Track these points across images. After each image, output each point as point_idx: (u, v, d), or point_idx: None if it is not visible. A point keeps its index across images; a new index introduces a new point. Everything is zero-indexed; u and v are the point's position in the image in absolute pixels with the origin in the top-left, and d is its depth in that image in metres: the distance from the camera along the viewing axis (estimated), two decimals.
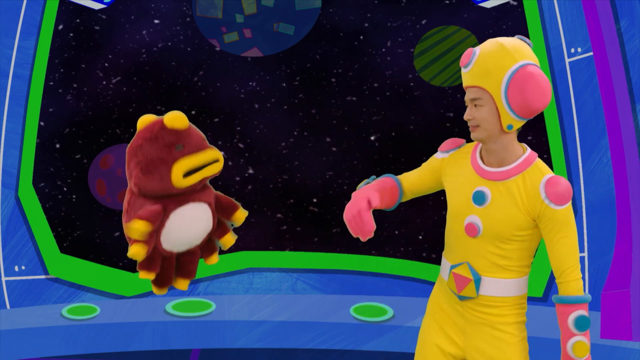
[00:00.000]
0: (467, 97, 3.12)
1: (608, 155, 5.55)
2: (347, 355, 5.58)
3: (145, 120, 3.35)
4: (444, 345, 3.25)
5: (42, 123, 5.97)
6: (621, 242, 5.47)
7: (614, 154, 5.53)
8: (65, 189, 6.00)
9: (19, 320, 5.75)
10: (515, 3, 5.80)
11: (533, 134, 5.78)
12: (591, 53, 5.59)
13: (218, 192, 3.46)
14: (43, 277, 5.92)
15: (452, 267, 3.18)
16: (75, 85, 6.00)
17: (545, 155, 5.75)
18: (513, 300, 3.19)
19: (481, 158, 3.18)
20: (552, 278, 5.61)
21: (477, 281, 3.13)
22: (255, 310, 5.79)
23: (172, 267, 3.42)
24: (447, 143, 3.29)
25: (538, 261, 5.62)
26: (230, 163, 5.92)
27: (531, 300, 5.52)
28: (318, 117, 6.01)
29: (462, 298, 3.17)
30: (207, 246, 3.48)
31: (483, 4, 5.85)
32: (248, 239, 5.99)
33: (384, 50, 5.94)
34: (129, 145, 3.36)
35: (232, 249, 5.99)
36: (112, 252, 5.97)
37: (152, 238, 3.26)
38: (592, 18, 5.58)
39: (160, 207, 3.25)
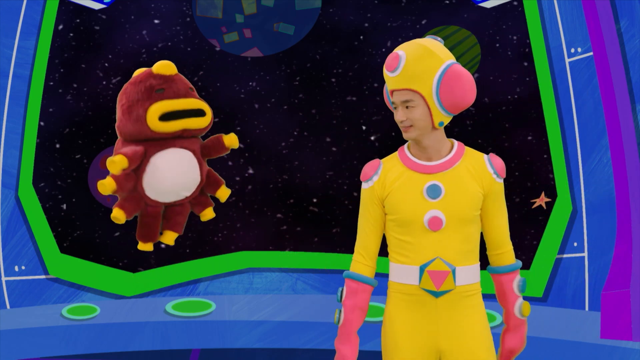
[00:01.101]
0: (396, 100, 3.22)
1: (608, 155, 5.55)
2: None
3: (139, 70, 3.38)
4: (421, 353, 3.26)
5: (42, 123, 5.97)
6: (621, 242, 5.47)
7: (614, 154, 5.53)
8: (65, 189, 6.00)
9: (19, 320, 5.75)
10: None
11: (533, 134, 5.78)
12: (591, 53, 5.59)
13: (204, 141, 3.44)
14: (43, 277, 5.92)
15: (424, 266, 3.20)
16: (75, 85, 6.00)
17: (545, 155, 5.75)
18: (477, 286, 3.29)
19: (414, 157, 3.23)
20: (552, 278, 5.61)
21: (454, 272, 3.21)
22: (255, 310, 5.79)
23: (158, 220, 3.40)
24: (366, 171, 3.34)
25: (538, 261, 5.62)
26: (230, 163, 5.92)
27: (531, 300, 5.52)
28: (318, 117, 6.01)
29: (439, 294, 3.20)
30: (199, 200, 3.45)
31: (483, 4, 5.85)
32: (248, 239, 5.99)
33: (384, 50, 5.94)
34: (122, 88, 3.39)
35: (232, 249, 6.00)
36: (112, 252, 5.97)
37: (130, 180, 3.26)
38: (592, 18, 5.58)
39: (142, 148, 3.25)
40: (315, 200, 6.01)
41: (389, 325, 3.31)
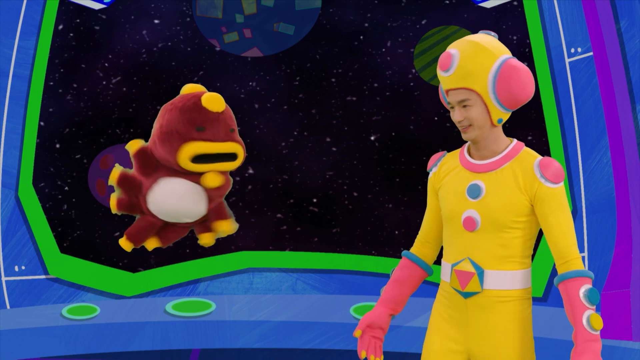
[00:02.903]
0: (452, 99, 3.14)
1: (608, 155, 5.55)
2: (346, 355, 5.58)
3: (191, 87, 3.35)
4: (448, 345, 3.24)
5: (42, 123, 5.97)
6: (621, 242, 5.47)
7: (614, 154, 5.53)
8: (65, 189, 6.00)
9: (19, 320, 5.74)
10: None
11: (533, 134, 5.78)
12: (591, 53, 5.58)
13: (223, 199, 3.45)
14: (43, 277, 5.92)
15: (453, 265, 3.18)
16: (75, 85, 6.00)
17: (545, 155, 5.75)
18: (517, 293, 3.19)
19: (470, 155, 3.23)
20: (552, 278, 5.61)
21: (480, 274, 3.15)
22: (255, 310, 5.79)
23: (151, 232, 3.40)
24: (431, 160, 3.35)
25: (538, 261, 5.62)
26: None
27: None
28: (318, 117, 6.01)
29: (467, 295, 3.16)
30: (202, 227, 3.45)
31: (483, 4, 5.85)
32: (248, 239, 5.99)
33: (384, 50, 5.94)
34: (168, 103, 3.36)
35: (232, 249, 6.00)
36: (112, 252, 5.97)
37: (131, 191, 3.28)
38: (592, 18, 5.58)
39: (139, 178, 3.27)
40: (315, 200, 6.01)
41: (430, 319, 3.32)
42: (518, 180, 3.13)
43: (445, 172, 3.26)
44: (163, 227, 3.44)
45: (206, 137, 3.24)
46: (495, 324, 3.18)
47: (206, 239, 3.48)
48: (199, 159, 3.24)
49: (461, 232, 3.18)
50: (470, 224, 3.15)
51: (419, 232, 3.39)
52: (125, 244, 3.43)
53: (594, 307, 3.06)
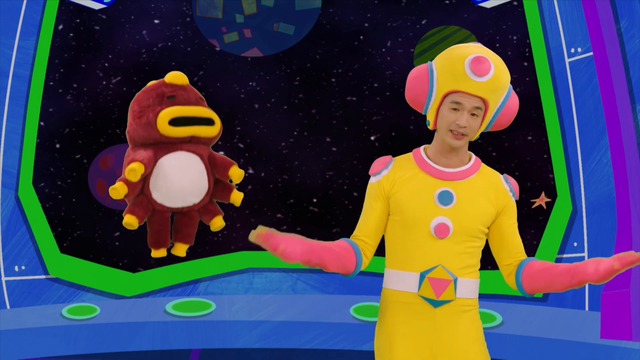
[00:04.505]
0: (466, 103, 3.08)
1: (608, 155, 5.55)
2: (346, 355, 5.59)
3: (153, 82, 3.44)
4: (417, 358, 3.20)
5: (42, 123, 5.97)
6: (621, 242, 5.47)
7: (614, 154, 5.53)
8: (65, 189, 6.00)
9: (19, 320, 5.75)
10: None
11: (533, 134, 5.78)
12: (591, 53, 5.59)
13: (213, 151, 3.46)
14: (43, 277, 5.92)
15: (425, 273, 3.14)
16: (75, 85, 6.00)
17: (545, 155, 5.75)
18: (476, 302, 3.21)
19: (431, 161, 3.20)
20: None
21: (455, 282, 3.13)
22: (255, 310, 5.79)
23: (167, 226, 3.41)
24: (376, 165, 3.28)
25: None
26: None
27: (531, 300, 5.53)
28: (318, 117, 6.02)
29: (439, 303, 3.13)
30: (208, 208, 3.45)
31: (483, 4, 5.85)
32: (248, 239, 5.99)
33: (384, 50, 5.94)
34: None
35: (232, 249, 6.00)
36: (112, 252, 5.97)
37: (139, 183, 3.29)
38: (592, 18, 5.58)
39: (152, 152, 3.27)
40: (315, 200, 6.01)
41: (384, 336, 3.20)
42: (488, 193, 3.15)
43: (404, 178, 3.19)
44: (176, 227, 3.45)
45: (179, 103, 3.31)
46: (464, 333, 3.16)
47: (218, 222, 3.50)
48: (176, 123, 3.28)
49: (430, 239, 3.13)
50: (443, 231, 3.12)
51: (357, 229, 3.26)
52: (157, 253, 3.44)
53: None
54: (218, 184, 3.45)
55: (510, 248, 3.22)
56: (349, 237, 3.27)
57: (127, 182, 3.28)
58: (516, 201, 3.22)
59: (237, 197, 3.51)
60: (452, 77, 3.08)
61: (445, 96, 3.11)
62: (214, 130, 3.35)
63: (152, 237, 3.42)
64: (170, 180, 3.31)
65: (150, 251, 3.50)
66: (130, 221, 3.30)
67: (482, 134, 3.18)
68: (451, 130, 3.11)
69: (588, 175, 5.62)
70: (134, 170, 3.22)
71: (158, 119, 3.27)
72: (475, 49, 3.08)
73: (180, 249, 3.47)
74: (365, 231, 3.25)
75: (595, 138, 5.60)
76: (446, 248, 3.13)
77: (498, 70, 3.06)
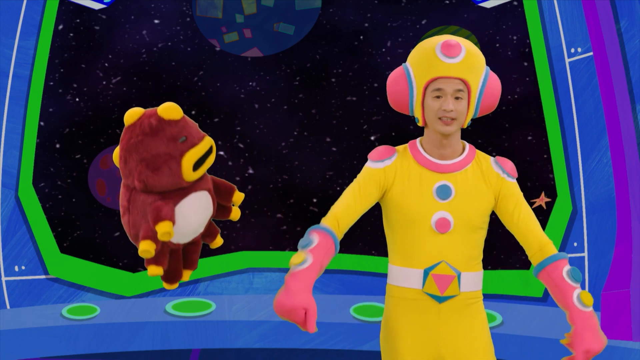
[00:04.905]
0: (447, 87, 3.08)
1: (608, 155, 5.55)
2: (346, 355, 5.59)
3: (133, 114, 3.29)
4: (423, 355, 3.19)
5: (42, 123, 5.97)
6: (621, 242, 5.47)
7: (614, 154, 5.53)
8: (65, 189, 6.00)
9: (19, 320, 5.75)
10: None
11: (533, 134, 5.78)
12: (591, 53, 5.59)
13: (213, 176, 3.43)
14: (43, 277, 5.92)
15: (428, 269, 3.13)
16: (75, 85, 6.01)
17: (545, 155, 5.75)
18: (480, 294, 3.20)
19: (427, 154, 3.18)
20: None
21: (459, 277, 3.12)
22: (255, 310, 5.79)
23: (181, 261, 3.40)
24: (381, 151, 3.23)
25: None
26: (230, 163, 5.92)
27: (531, 300, 5.53)
28: (318, 117, 6.02)
29: (443, 299, 3.13)
30: (209, 230, 3.45)
31: (483, 4, 5.85)
32: (248, 239, 5.99)
33: (384, 50, 5.94)
34: (122, 141, 3.28)
35: (232, 249, 6.00)
36: (112, 252, 5.97)
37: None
38: (592, 18, 5.58)
39: (172, 202, 3.21)
40: (315, 200, 6.01)
41: (389, 332, 3.20)
42: (484, 180, 3.15)
43: (401, 172, 3.18)
44: (184, 255, 3.44)
45: (192, 143, 3.22)
46: (469, 326, 3.16)
47: (219, 242, 3.49)
48: (196, 166, 3.23)
49: (431, 234, 3.12)
50: (443, 226, 3.10)
51: (337, 208, 3.26)
52: (171, 286, 3.43)
53: (579, 284, 3.10)
54: (219, 207, 3.44)
55: (527, 236, 3.16)
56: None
57: (155, 240, 3.17)
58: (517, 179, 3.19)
59: (236, 215, 3.49)
60: (427, 66, 3.10)
61: (426, 88, 3.11)
62: (213, 157, 3.32)
63: (169, 274, 3.39)
64: (190, 223, 3.28)
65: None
66: (157, 272, 3.25)
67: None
68: (440, 118, 3.10)
69: (588, 175, 5.62)
70: (167, 232, 3.12)
71: (184, 169, 3.18)
72: (443, 37, 3.12)
73: (186, 275, 3.47)
74: (348, 215, 3.26)
75: (595, 138, 5.60)
76: (448, 242, 3.12)
77: (469, 50, 3.09)
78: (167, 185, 3.20)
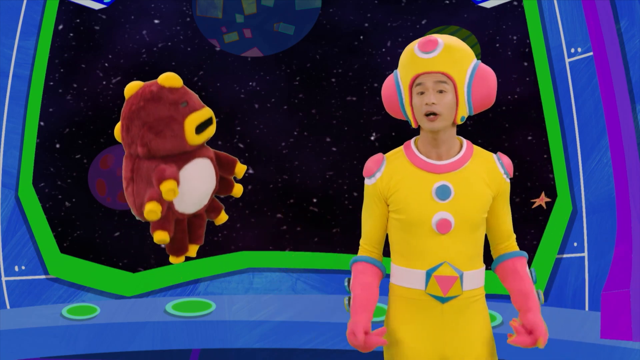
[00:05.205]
0: (427, 82, 3.08)
1: (608, 155, 5.56)
2: (347, 355, 5.59)
3: (133, 86, 3.32)
4: (428, 355, 3.20)
5: (42, 123, 5.97)
6: (621, 242, 5.47)
7: (614, 154, 5.53)
8: (65, 189, 6.00)
9: (19, 320, 5.75)
10: None
11: (533, 134, 5.78)
12: (591, 53, 5.59)
13: (214, 150, 3.43)
14: (43, 277, 5.92)
15: (431, 271, 3.13)
16: (75, 85, 6.01)
17: (545, 155, 5.75)
18: (482, 291, 3.23)
19: (423, 155, 3.17)
20: (552, 278, 5.61)
21: (461, 277, 3.13)
22: (255, 310, 5.79)
23: (186, 232, 3.39)
24: (369, 166, 3.23)
25: (537, 262, 5.63)
26: None
27: None
28: (318, 117, 6.02)
29: (446, 299, 3.14)
30: (212, 206, 3.45)
31: (483, 4, 5.85)
32: (248, 239, 6.00)
33: (384, 50, 5.94)
34: (123, 111, 3.30)
35: (232, 249, 6.00)
36: (112, 252, 5.97)
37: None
38: (592, 18, 5.58)
39: (175, 165, 3.22)
40: (315, 200, 6.01)
41: (392, 331, 3.20)
42: (485, 177, 3.15)
43: (399, 177, 3.17)
44: (189, 229, 3.43)
45: (194, 108, 3.25)
46: (472, 325, 3.18)
47: (223, 217, 3.49)
48: (198, 130, 3.25)
49: (432, 235, 3.12)
50: (444, 226, 3.10)
51: (364, 238, 3.27)
52: (177, 260, 3.42)
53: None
54: (221, 180, 3.45)
55: (499, 228, 3.24)
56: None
57: (161, 201, 3.18)
58: (511, 180, 3.23)
59: (238, 190, 3.51)
60: (408, 66, 3.13)
61: (411, 88, 3.12)
62: (214, 127, 3.34)
63: (174, 245, 3.38)
64: (195, 189, 3.29)
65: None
66: (163, 237, 3.25)
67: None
68: (426, 115, 3.10)
69: (588, 175, 5.62)
70: (172, 190, 3.14)
71: (187, 131, 3.20)
72: (432, 35, 3.14)
73: (192, 250, 3.46)
74: (372, 240, 3.27)
75: (595, 138, 5.60)
76: (450, 243, 3.12)
77: (448, 43, 3.08)
78: (171, 148, 3.21)
